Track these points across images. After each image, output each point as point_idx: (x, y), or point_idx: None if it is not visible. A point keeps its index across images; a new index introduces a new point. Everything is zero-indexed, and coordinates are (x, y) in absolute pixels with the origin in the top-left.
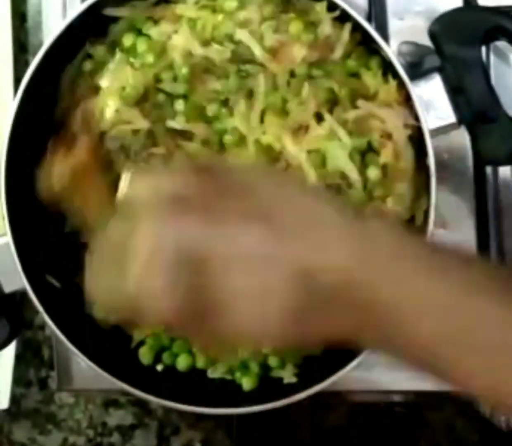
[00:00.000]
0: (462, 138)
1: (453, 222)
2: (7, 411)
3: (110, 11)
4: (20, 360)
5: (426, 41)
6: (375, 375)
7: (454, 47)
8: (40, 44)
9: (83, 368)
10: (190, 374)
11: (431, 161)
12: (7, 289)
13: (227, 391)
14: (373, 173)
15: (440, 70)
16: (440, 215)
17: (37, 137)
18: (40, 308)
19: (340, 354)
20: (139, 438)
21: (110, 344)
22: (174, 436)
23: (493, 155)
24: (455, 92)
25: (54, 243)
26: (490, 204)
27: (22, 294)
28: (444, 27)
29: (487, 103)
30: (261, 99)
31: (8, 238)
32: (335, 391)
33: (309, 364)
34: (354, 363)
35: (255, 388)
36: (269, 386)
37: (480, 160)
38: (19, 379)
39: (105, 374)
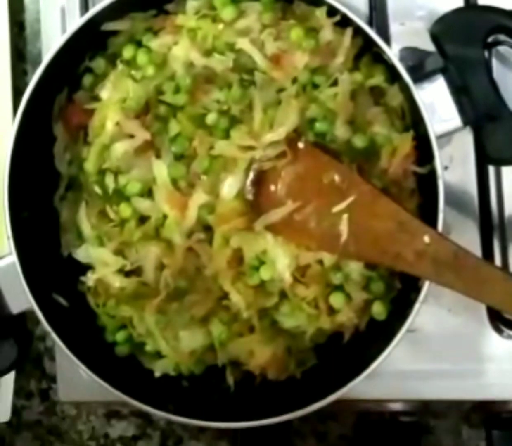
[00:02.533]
0: (465, 140)
1: (457, 226)
2: (8, 423)
3: (108, 26)
4: (21, 371)
5: (427, 46)
6: (380, 384)
7: (457, 47)
8: (39, 53)
9: (85, 380)
10: (193, 387)
11: (438, 163)
12: (15, 309)
13: (231, 405)
14: None
15: (443, 71)
16: (445, 221)
17: (39, 155)
18: (48, 328)
19: (346, 367)
20: None
21: (113, 356)
22: None
23: (499, 155)
24: (459, 92)
25: (59, 262)
26: (493, 206)
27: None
28: (445, 28)
29: (491, 102)
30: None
31: (14, 258)
32: (340, 400)
33: (315, 376)
34: (361, 376)
35: (259, 403)
36: (274, 399)
37: (485, 160)
38: (20, 390)
39: (109, 387)
